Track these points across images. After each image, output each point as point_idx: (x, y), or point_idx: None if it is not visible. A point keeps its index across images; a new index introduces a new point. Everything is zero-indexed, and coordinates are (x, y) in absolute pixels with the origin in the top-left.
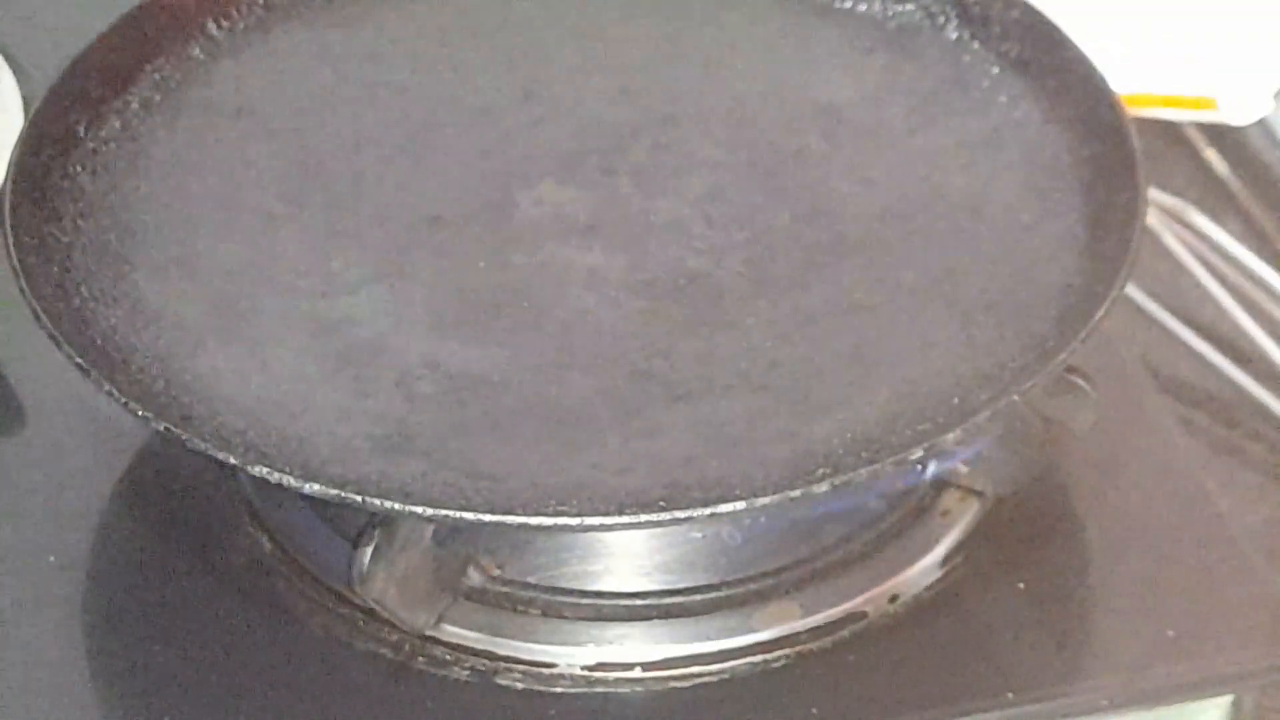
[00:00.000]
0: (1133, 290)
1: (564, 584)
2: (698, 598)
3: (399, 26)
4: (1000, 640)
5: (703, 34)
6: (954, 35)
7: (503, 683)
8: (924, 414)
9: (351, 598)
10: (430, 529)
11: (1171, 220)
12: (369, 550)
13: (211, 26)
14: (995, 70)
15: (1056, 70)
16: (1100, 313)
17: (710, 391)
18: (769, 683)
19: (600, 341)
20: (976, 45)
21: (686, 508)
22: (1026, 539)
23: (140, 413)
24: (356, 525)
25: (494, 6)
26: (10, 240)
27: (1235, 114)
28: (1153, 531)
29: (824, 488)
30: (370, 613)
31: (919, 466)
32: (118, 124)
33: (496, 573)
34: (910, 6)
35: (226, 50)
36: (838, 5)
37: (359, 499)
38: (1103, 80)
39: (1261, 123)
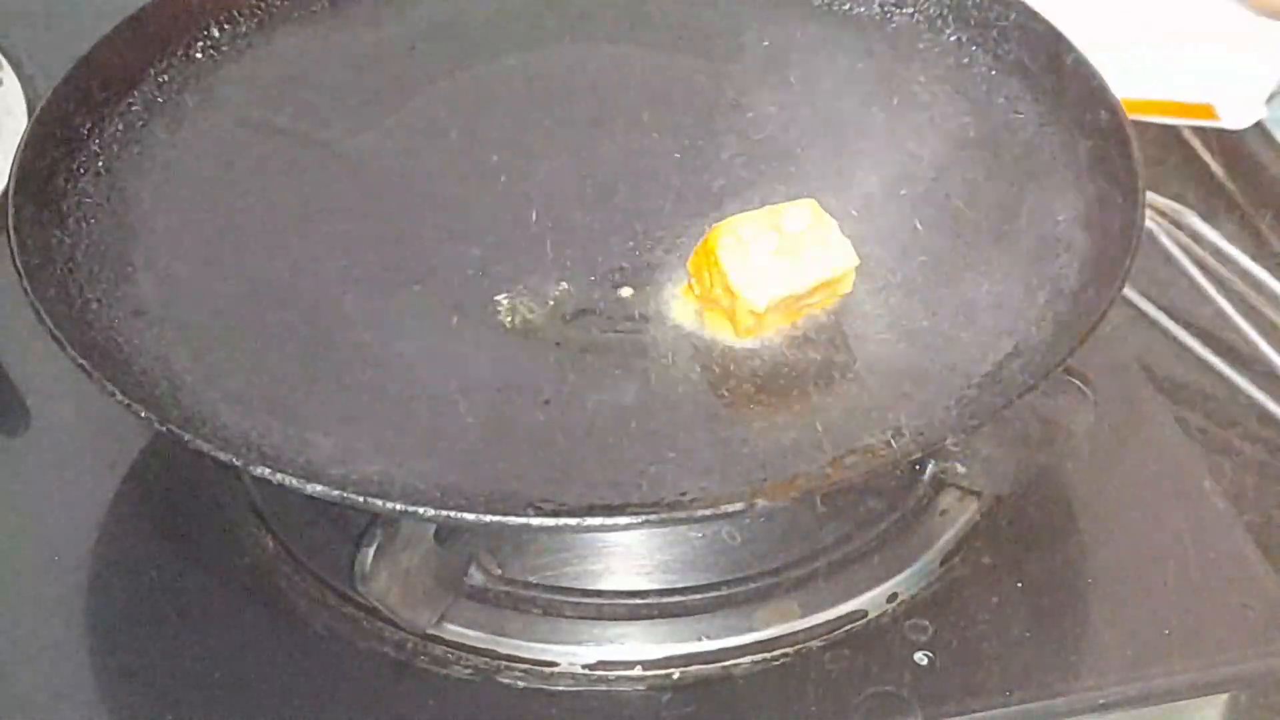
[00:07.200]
0: (1130, 292)
1: (565, 583)
2: (698, 597)
3: (401, 28)
4: (999, 639)
5: (702, 35)
6: (953, 38)
7: (504, 681)
8: (923, 415)
9: (354, 597)
10: (432, 529)
11: (1169, 223)
12: (371, 550)
13: (214, 29)
14: (994, 73)
15: (1055, 73)
16: (1099, 315)
17: (708, 396)
18: (768, 681)
19: (601, 341)
20: (975, 48)
21: (687, 508)
22: (1025, 538)
23: (143, 414)
24: (359, 525)
25: (493, 6)
26: (13, 242)
27: (1231, 119)
28: (1150, 531)
29: (824, 490)
30: (373, 612)
31: (917, 467)
32: (121, 126)
33: (498, 572)
34: (910, 9)
35: (229, 53)
36: (837, 8)
37: (361, 500)
38: (1102, 83)
39: (1258, 126)
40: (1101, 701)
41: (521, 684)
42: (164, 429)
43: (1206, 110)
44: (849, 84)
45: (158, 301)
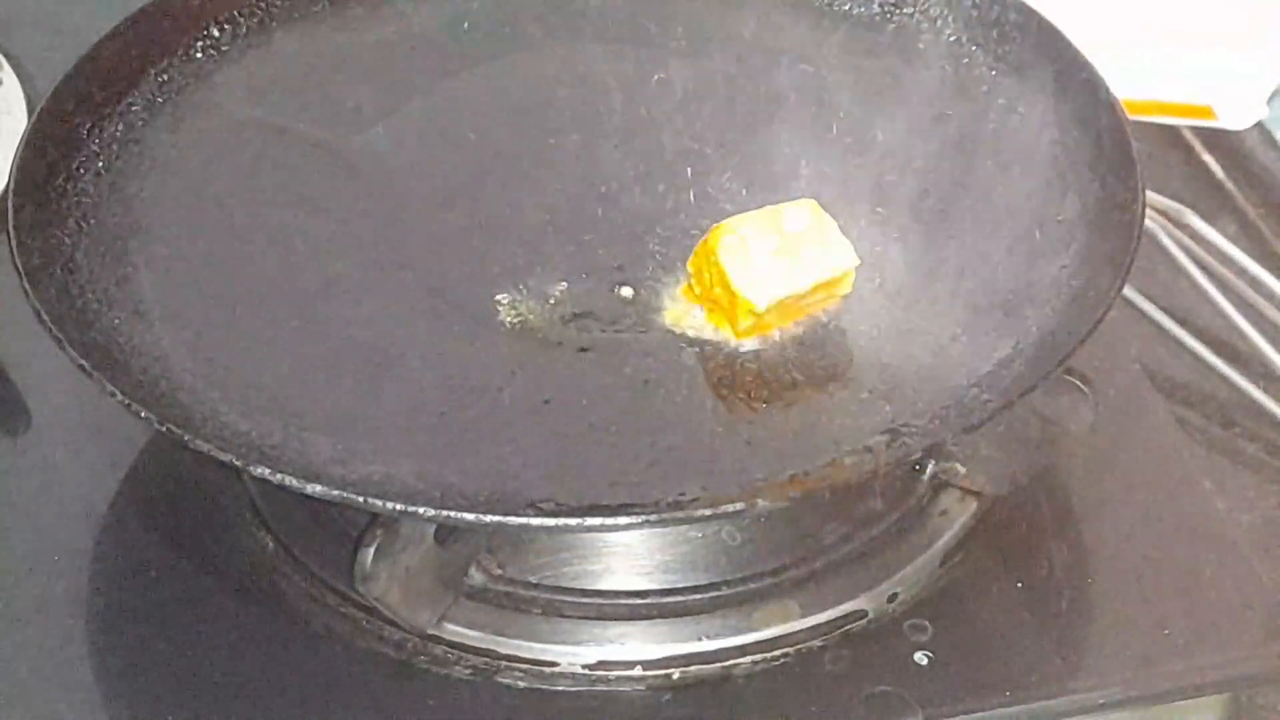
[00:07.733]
0: (1130, 292)
1: (565, 583)
2: (698, 597)
3: (401, 28)
4: (998, 639)
5: (702, 35)
6: (953, 38)
7: (504, 681)
8: (923, 415)
9: (354, 597)
10: (432, 529)
11: (1169, 223)
12: (371, 550)
13: (214, 29)
14: (994, 73)
15: (1055, 73)
16: (1099, 315)
17: (708, 396)
18: (768, 681)
19: (601, 341)
20: (975, 48)
21: (687, 508)
22: (1025, 538)
23: (143, 414)
24: (359, 525)
25: (493, 7)
26: (13, 242)
27: (1231, 119)
28: (1150, 531)
29: (824, 490)
30: (373, 612)
31: (917, 467)
32: (121, 126)
33: (498, 572)
34: (910, 9)
35: (229, 53)
36: (838, 8)
37: (361, 500)
38: (1102, 83)
39: (1258, 127)
40: (1101, 701)
41: (521, 684)
42: (164, 429)
43: (1206, 110)
44: (849, 84)
45: (158, 301)
